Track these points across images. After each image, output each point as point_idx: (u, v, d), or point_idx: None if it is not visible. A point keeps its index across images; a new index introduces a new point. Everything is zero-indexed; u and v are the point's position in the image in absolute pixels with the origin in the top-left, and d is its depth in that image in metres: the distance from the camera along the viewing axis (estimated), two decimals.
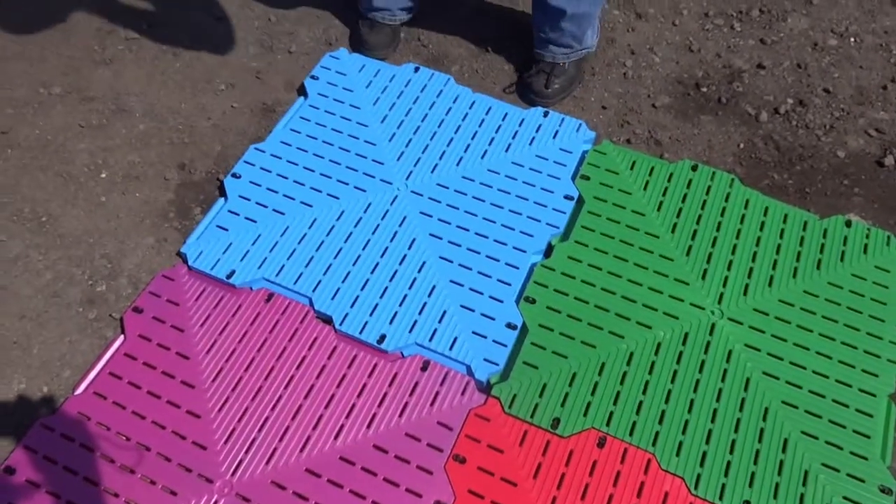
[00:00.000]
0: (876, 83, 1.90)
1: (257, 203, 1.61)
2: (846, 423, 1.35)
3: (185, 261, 1.53)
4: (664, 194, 1.64)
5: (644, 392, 1.39)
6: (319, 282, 1.50)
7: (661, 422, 1.36)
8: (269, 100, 1.84)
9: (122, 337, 1.45)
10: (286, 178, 1.65)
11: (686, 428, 1.35)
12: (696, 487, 1.29)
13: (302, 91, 1.83)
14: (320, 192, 1.63)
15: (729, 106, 1.85)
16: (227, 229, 1.57)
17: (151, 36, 1.96)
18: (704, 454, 1.32)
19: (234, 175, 1.65)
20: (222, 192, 1.65)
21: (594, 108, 1.84)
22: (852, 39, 1.99)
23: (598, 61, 1.93)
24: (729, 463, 1.31)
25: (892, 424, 1.36)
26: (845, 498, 1.28)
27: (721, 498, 1.28)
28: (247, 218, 1.59)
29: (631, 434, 1.34)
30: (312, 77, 1.83)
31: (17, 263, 1.56)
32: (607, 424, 1.35)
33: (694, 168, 1.69)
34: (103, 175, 1.70)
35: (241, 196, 1.62)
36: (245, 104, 1.84)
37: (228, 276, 1.50)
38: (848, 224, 1.60)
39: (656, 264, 1.54)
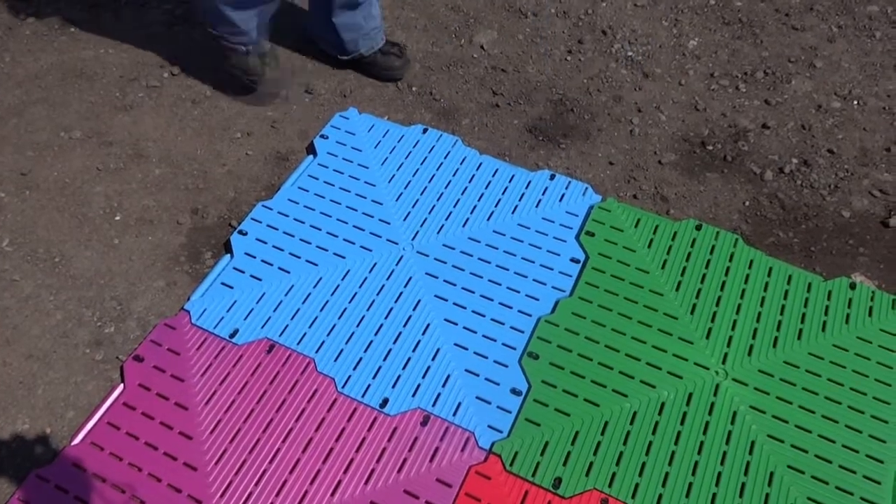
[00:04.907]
0: (879, 145, 1.92)
1: (263, 261, 1.63)
2: (854, 490, 1.32)
3: (188, 319, 1.53)
4: (668, 252, 1.65)
5: (647, 453, 1.36)
6: (323, 342, 1.50)
7: (664, 484, 1.32)
8: (283, 149, 1.89)
9: (121, 386, 1.45)
10: (292, 236, 1.67)
11: (690, 491, 1.32)
12: None
13: (311, 149, 1.88)
14: (326, 250, 1.65)
15: (734, 164, 1.88)
16: (231, 287, 1.58)
17: (172, 84, 2.04)
18: None
19: (240, 232, 1.68)
20: (228, 249, 1.67)
21: (601, 164, 1.87)
22: (855, 102, 2.03)
23: (605, 118, 1.98)
24: None
25: None
26: None
27: None
28: (252, 276, 1.60)
29: (633, 496, 1.31)
30: (322, 136, 1.88)
31: (28, 303, 1.58)
32: (609, 486, 1.32)
33: (698, 227, 1.70)
34: (118, 218, 1.74)
35: (247, 253, 1.64)
36: (259, 152, 1.89)
37: (231, 336, 1.50)
38: (853, 286, 1.60)
39: (660, 322, 1.54)
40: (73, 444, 1.37)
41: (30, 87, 2.02)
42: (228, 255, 1.65)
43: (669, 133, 1.95)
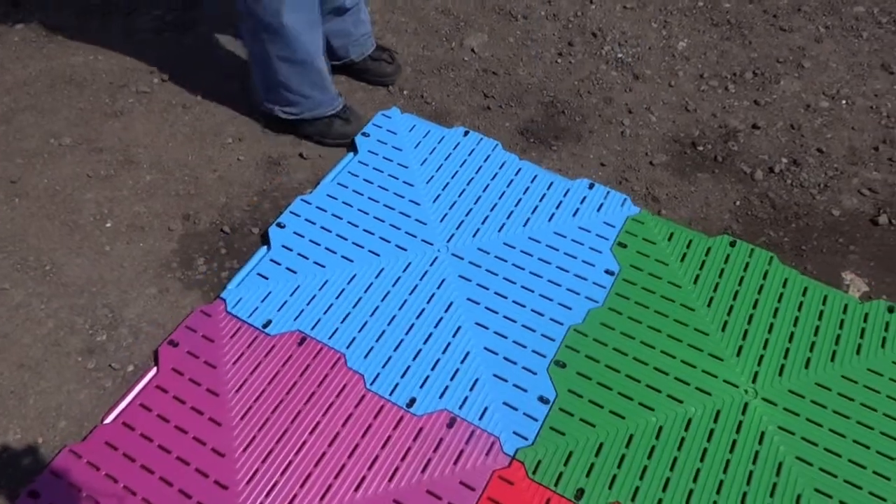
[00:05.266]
0: (868, 144, 1.92)
1: (299, 254, 1.65)
2: None
3: (224, 306, 1.56)
4: (701, 267, 1.64)
5: (672, 469, 1.36)
6: (354, 338, 1.51)
7: (688, 501, 1.32)
8: (274, 154, 1.90)
9: (154, 369, 1.48)
10: (329, 231, 1.70)
11: None
12: None
13: (352, 146, 1.90)
14: (362, 247, 1.67)
15: (725, 164, 1.88)
16: (267, 278, 1.61)
17: (162, 90, 2.05)
18: None
19: (278, 225, 1.70)
20: (266, 241, 1.69)
21: (593, 165, 1.88)
22: (844, 102, 2.03)
23: (596, 120, 1.98)
24: None
25: None
26: None
27: None
28: (288, 268, 1.63)
29: None
30: (363, 134, 1.90)
31: (18, 311, 1.58)
32: (633, 500, 1.32)
33: (732, 244, 1.69)
34: (108, 225, 1.74)
35: (283, 246, 1.66)
36: (251, 157, 1.89)
37: (265, 326, 1.53)
38: (890, 310, 1.57)
39: (690, 338, 1.53)
40: (105, 422, 1.40)
41: (18, 94, 2.03)
42: (265, 247, 1.67)
43: (660, 134, 1.95)
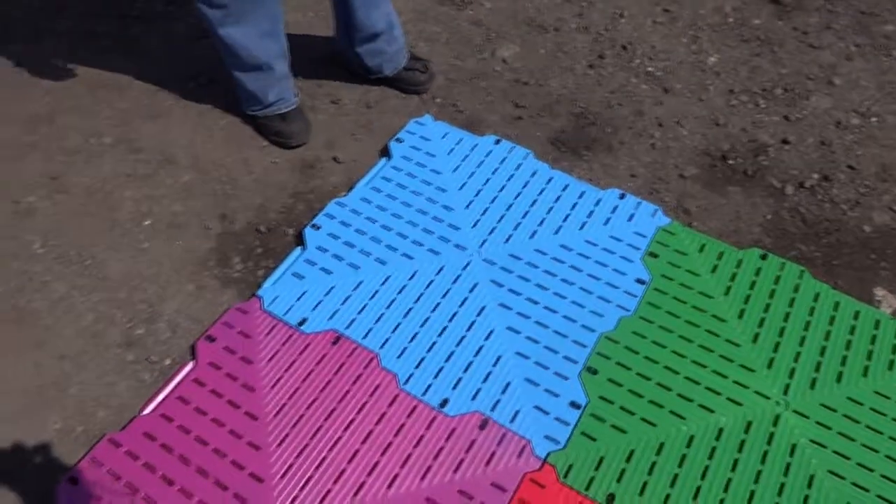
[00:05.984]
0: None
1: (334, 255, 1.68)
2: None
3: (260, 304, 1.59)
4: (732, 279, 1.65)
5: (703, 478, 1.36)
6: (387, 339, 1.53)
7: None
8: (309, 157, 1.93)
9: (192, 363, 1.51)
10: (364, 233, 1.72)
11: None
12: None
13: (386, 151, 1.93)
14: (396, 250, 1.69)
15: (755, 179, 1.89)
16: (303, 277, 1.63)
17: (200, 94, 2.09)
18: None
19: (314, 226, 1.73)
20: (301, 242, 1.72)
21: (623, 176, 1.89)
22: (874, 119, 2.04)
23: (626, 132, 2.00)
24: None
25: None
26: None
27: None
28: (322, 269, 1.65)
29: None
30: (397, 140, 1.93)
31: (60, 304, 1.62)
32: None
33: (763, 257, 1.69)
34: (147, 223, 1.78)
35: (318, 247, 1.69)
36: (286, 160, 1.93)
37: (300, 324, 1.55)
38: None
39: (722, 348, 1.54)
40: (143, 413, 1.42)
41: (60, 95, 2.08)
42: (300, 248, 1.70)
43: (690, 147, 1.97)
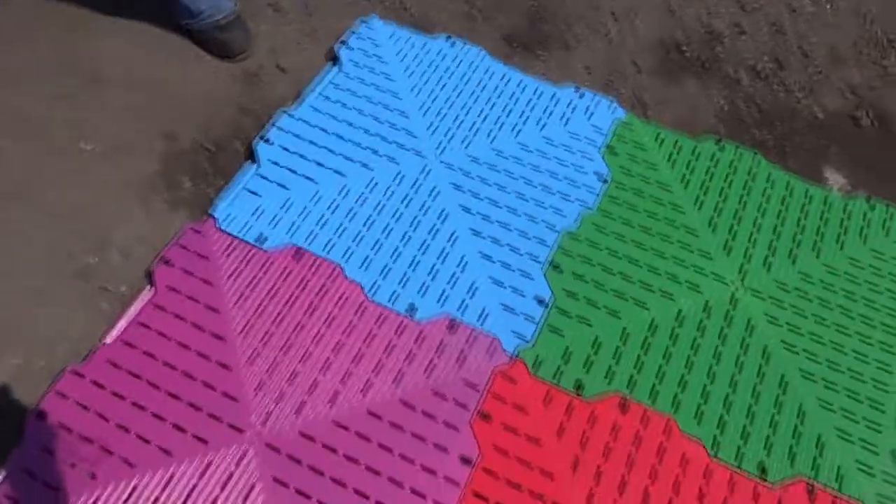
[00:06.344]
0: (850, 45, 1.96)
1: (288, 169, 1.62)
2: (861, 396, 1.38)
3: (215, 224, 1.54)
4: (689, 169, 1.67)
5: (666, 360, 1.41)
6: (350, 250, 1.51)
7: (682, 389, 1.38)
8: (252, 67, 1.84)
9: (150, 288, 1.47)
10: (317, 145, 1.66)
11: (706, 395, 1.37)
12: (714, 451, 1.31)
13: (334, 56, 1.84)
14: (352, 160, 1.64)
15: (711, 69, 1.89)
16: (257, 194, 1.58)
17: (135, 9, 1.93)
18: (723, 420, 1.35)
19: (265, 140, 1.66)
20: (250, 156, 1.66)
21: (579, 72, 1.87)
22: (828, 5, 2.05)
23: (581, 26, 1.96)
24: (746, 429, 1.34)
25: None
26: (858, 462, 1.31)
27: (738, 461, 1.30)
28: (278, 183, 1.60)
29: (652, 400, 1.37)
30: (344, 44, 1.84)
31: (5, 240, 1.54)
32: (629, 389, 1.38)
33: (719, 144, 1.71)
34: (88, 147, 1.68)
35: (272, 161, 1.63)
36: (228, 72, 1.83)
37: (259, 241, 1.51)
38: (870, 203, 1.63)
39: (681, 237, 1.57)
40: (105, 342, 1.39)
41: None
42: (252, 163, 1.64)
43: (646, 39, 1.95)
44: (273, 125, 1.69)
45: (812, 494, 1.28)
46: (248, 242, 1.51)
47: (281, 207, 1.56)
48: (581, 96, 1.78)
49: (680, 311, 1.47)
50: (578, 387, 1.37)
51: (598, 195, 1.62)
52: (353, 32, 1.87)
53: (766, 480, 1.29)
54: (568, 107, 1.75)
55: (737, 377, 1.39)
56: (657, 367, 1.40)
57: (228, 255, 1.50)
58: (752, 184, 1.65)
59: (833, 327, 1.46)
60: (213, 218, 1.54)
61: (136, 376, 1.36)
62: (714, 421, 1.34)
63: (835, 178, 1.68)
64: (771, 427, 1.34)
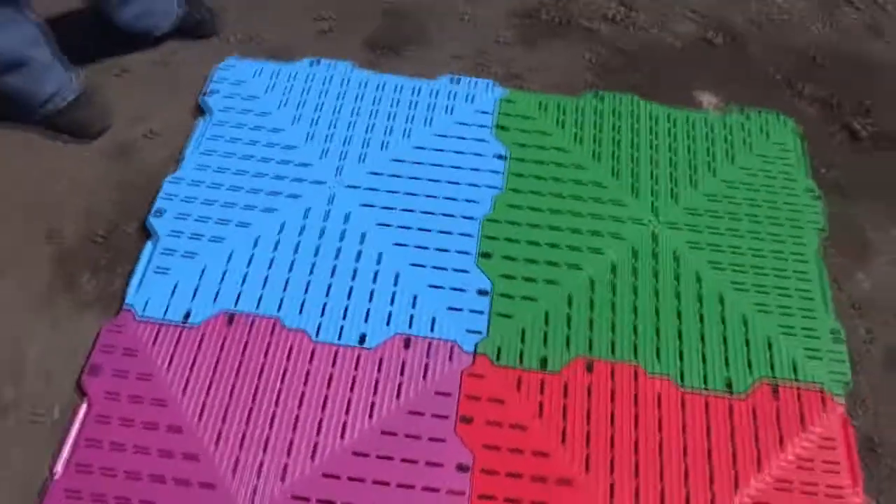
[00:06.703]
0: None
1: (191, 236, 1.54)
2: (790, 290, 1.49)
3: (133, 315, 1.45)
4: (579, 126, 1.72)
5: (613, 311, 1.47)
6: (282, 299, 1.47)
7: (635, 333, 1.44)
8: (120, 139, 1.73)
9: (85, 401, 1.37)
10: (213, 202, 1.59)
11: (659, 333, 1.44)
12: (682, 382, 1.39)
13: (201, 109, 1.76)
14: (254, 208, 1.58)
15: (570, 26, 1.97)
16: (167, 270, 1.50)
17: None
18: (681, 352, 1.42)
19: (157, 212, 1.57)
20: (147, 234, 1.56)
21: (447, 61, 1.89)
22: None
23: (438, 15, 1.99)
24: (702, 352, 1.42)
25: (825, 282, 1.51)
26: (805, 349, 1.42)
27: (706, 384, 1.38)
28: (185, 254, 1.52)
29: (613, 353, 1.42)
30: (210, 92, 1.76)
31: None
32: (590, 350, 1.42)
33: (598, 96, 1.78)
34: None
35: (172, 232, 1.55)
36: (96, 152, 1.71)
37: (185, 318, 1.44)
38: (746, 116, 1.75)
39: (590, 193, 1.62)
40: (56, 473, 1.29)
41: None
42: (152, 240, 1.55)
43: (502, 13, 2.00)
44: (161, 195, 1.60)
45: (776, 393, 1.38)
46: (173, 323, 1.44)
47: (197, 277, 1.49)
48: (458, 84, 1.79)
49: (612, 262, 1.53)
50: (543, 363, 1.40)
51: (502, 174, 1.65)
52: (214, 80, 1.80)
53: (733, 393, 1.38)
54: (449, 97, 1.77)
55: (680, 307, 1.47)
56: (608, 321, 1.46)
57: (157, 342, 1.42)
58: (638, 125, 1.73)
59: (748, 236, 1.56)
60: (129, 309, 1.45)
61: (101, 498, 1.27)
62: (674, 355, 1.41)
63: (707, 99, 1.79)
64: (723, 343, 1.43)
